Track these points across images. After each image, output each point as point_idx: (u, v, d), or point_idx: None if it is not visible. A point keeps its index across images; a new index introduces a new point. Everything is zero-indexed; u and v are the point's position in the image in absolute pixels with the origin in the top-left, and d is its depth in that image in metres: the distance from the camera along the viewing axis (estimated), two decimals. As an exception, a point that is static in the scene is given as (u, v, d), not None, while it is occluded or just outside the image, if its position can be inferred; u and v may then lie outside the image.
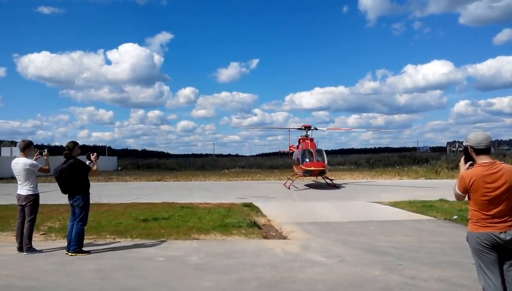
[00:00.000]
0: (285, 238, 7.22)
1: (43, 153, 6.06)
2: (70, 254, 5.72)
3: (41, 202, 10.87)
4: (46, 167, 6.08)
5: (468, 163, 3.09)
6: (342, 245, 6.40)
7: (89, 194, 5.90)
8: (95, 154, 6.04)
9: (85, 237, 6.95)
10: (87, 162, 5.97)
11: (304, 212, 10.61)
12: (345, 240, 6.84)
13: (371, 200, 13.03)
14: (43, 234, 7.50)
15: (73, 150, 5.79)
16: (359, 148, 75.27)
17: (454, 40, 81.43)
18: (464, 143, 3.20)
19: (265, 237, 7.24)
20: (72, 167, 5.66)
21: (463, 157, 3.13)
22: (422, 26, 78.72)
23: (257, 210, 10.59)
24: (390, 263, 5.24)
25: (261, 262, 5.30)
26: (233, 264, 5.26)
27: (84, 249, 5.90)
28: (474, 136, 3.04)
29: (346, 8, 78.36)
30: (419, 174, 27.13)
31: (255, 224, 8.18)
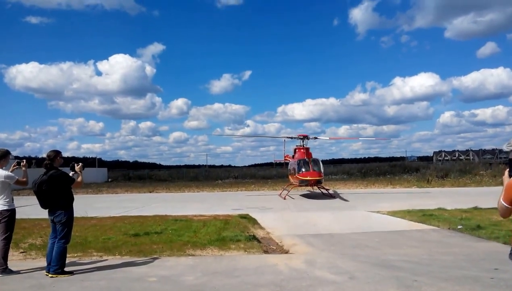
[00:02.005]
0: (287, 252, 6.74)
1: (21, 163, 5.51)
2: (50, 275, 5.14)
3: (24, 216, 10.36)
4: (24, 179, 5.52)
5: None
6: (349, 259, 5.95)
7: (72, 208, 5.34)
8: (80, 164, 5.50)
9: (69, 255, 6.37)
10: (71, 173, 5.42)
11: (303, 223, 10.16)
12: (352, 253, 6.40)
13: (369, 209, 12.69)
14: (23, 252, 6.87)
15: (54, 160, 5.23)
16: (349, 157, 75.87)
17: (440, 54, 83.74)
18: (505, 147, 2.71)
19: (266, 252, 6.75)
20: (53, 179, 5.10)
21: (508, 169, 2.59)
22: (410, 39, 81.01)
23: (254, 222, 10.10)
24: (404, 279, 4.81)
25: (265, 281, 4.82)
26: (234, 284, 4.76)
27: (66, 269, 5.31)
28: None
29: (337, 21, 79.78)
30: (411, 183, 27.09)
31: (254, 238, 7.68)
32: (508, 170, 2.62)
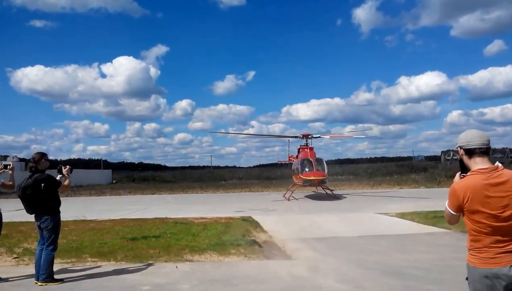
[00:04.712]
0: (289, 257, 6.41)
1: (8, 166, 5.26)
2: (39, 283, 4.87)
3: (23, 219, 10.16)
4: (10, 183, 5.27)
5: (462, 175, 2.26)
6: (356, 266, 5.60)
7: (59, 213, 5.06)
8: (68, 166, 5.20)
9: (62, 261, 6.17)
10: (58, 177, 5.13)
11: (307, 226, 9.81)
12: (358, 259, 6.04)
13: (376, 211, 12.29)
14: (16, 257, 6.62)
15: (39, 162, 4.94)
16: (355, 157, 74.82)
17: (446, 52, 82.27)
18: (455, 147, 2.37)
19: (267, 257, 6.43)
20: (38, 183, 4.81)
21: (459, 172, 2.29)
22: (415, 38, 79.56)
23: (256, 225, 9.78)
24: (416, 289, 4.47)
25: (264, 290, 4.49)
26: (232, 293, 4.45)
27: (57, 277, 5.04)
28: (465, 135, 2.25)
29: (340, 21, 78.86)
30: (419, 183, 26.52)
31: (255, 242, 7.36)
32: (459, 172, 2.27)
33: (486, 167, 2.14)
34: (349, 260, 5.95)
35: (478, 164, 2.16)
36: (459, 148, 2.25)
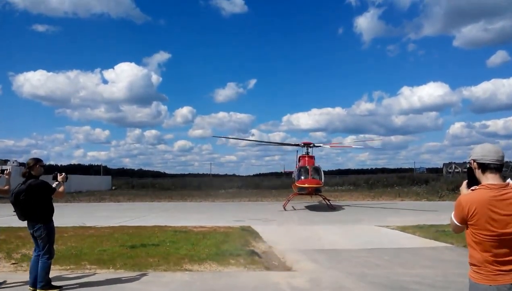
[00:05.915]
0: (289, 269, 6.34)
1: (5, 171, 5.24)
2: (37, 291, 4.81)
3: (21, 225, 10.07)
4: (6, 187, 5.22)
5: (471, 188, 2.22)
6: (357, 279, 5.54)
7: (52, 221, 4.98)
8: (63, 174, 5.14)
9: (61, 268, 6.13)
10: (54, 184, 5.06)
11: (308, 237, 9.73)
12: (360, 272, 5.97)
13: (377, 223, 12.20)
14: (14, 263, 6.56)
15: (33, 168, 4.88)
16: (356, 168, 74.32)
17: (448, 63, 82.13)
18: (468, 159, 2.35)
19: (267, 268, 6.36)
20: (32, 189, 4.74)
21: (466, 181, 2.28)
22: (417, 48, 79.48)
23: (256, 235, 9.70)
24: (418, 304, 4.40)
25: (264, 303, 4.44)
26: (231, 305, 4.38)
27: (55, 283, 4.98)
28: (480, 148, 2.23)
29: (342, 30, 79.16)
30: (421, 196, 26.35)
31: (254, 252, 7.30)
32: (466, 181, 2.27)
33: (496, 183, 2.13)
34: (350, 274, 5.88)
35: (489, 179, 2.16)
36: (472, 161, 2.24)
